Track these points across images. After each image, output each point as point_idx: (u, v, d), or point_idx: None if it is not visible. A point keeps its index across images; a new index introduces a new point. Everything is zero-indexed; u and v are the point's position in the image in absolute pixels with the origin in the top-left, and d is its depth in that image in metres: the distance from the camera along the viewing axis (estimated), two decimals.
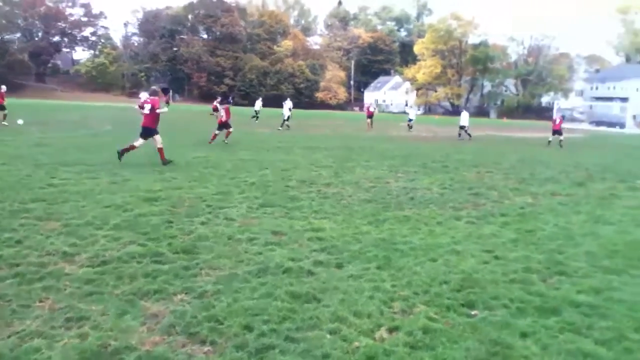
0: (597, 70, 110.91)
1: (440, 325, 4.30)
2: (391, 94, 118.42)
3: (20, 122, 24.64)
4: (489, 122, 62.29)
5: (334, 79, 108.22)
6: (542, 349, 3.97)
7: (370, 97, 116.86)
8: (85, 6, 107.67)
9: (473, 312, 4.60)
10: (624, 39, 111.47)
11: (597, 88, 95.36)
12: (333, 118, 58.02)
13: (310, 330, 4.17)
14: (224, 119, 19.70)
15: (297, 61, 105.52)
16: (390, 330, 4.22)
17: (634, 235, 7.57)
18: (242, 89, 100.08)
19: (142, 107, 13.36)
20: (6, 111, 24.55)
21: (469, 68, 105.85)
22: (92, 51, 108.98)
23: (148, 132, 13.28)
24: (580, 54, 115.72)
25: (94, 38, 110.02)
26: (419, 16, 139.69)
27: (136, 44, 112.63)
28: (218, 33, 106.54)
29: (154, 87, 14.23)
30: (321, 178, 12.05)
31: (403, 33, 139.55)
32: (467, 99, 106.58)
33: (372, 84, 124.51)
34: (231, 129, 19.93)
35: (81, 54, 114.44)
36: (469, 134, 29.80)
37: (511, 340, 4.07)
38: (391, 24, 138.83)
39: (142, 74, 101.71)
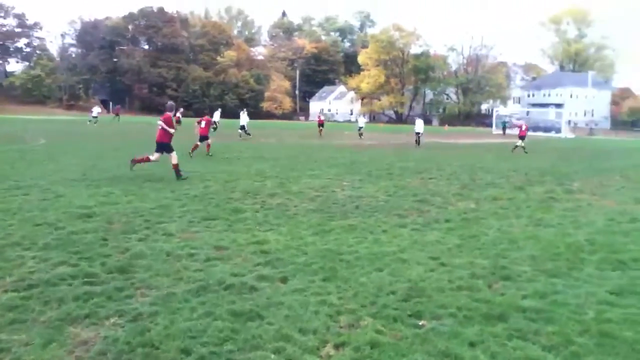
0: (534, 78, 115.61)
1: (388, 339, 4.17)
2: (336, 103, 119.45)
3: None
4: (431, 130, 63.51)
5: (278, 89, 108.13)
6: (491, 358, 3.90)
7: (315, 106, 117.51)
8: (19, 17, 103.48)
9: (421, 323, 4.50)
10: (557, 48, 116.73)
11: (533, 95, 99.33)
12: (279, 127, 57.83)
13: (252, 350, 3.95)
14: (203, 131, 19.77)
15: (242, 71, 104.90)
16: (337, 347, 4.05)
17: (574, 237, 7.72)
18: (186, 99, 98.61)
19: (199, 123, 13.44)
20: None
21: (412, 77, 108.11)
22: (26, 63, 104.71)
23: (162, 147, 13.19)
24: (517, 63, 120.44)
25: (28, 49, 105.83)
26: (362, 27, 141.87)
27: (74, 55, 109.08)
28: (159, 44, 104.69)
29: (170, 102, 13.87)
30: (266, 189, 11.83)
31: (347, 44, 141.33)
32: (411, 107, 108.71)
33: (317, 94, 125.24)
34: (210, 141, 20.13)
35: (15, 66, 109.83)
36: (418, 142, 30.44)
37: (460, 351, 3.98)
38: (335, 35, 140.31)
39: (80, 85, 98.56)
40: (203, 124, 20.01)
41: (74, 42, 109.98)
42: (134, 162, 13.52)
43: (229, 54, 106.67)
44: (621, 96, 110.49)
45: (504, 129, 57.35)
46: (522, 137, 27.78)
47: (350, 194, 11.43)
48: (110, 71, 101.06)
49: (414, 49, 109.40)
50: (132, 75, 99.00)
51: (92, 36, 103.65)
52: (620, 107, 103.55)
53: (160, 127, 13.19)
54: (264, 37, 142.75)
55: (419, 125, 31.03)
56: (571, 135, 57.17)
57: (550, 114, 70.07)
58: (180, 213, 8.82)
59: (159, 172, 13.99)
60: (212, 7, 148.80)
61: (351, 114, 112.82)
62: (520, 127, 29.13)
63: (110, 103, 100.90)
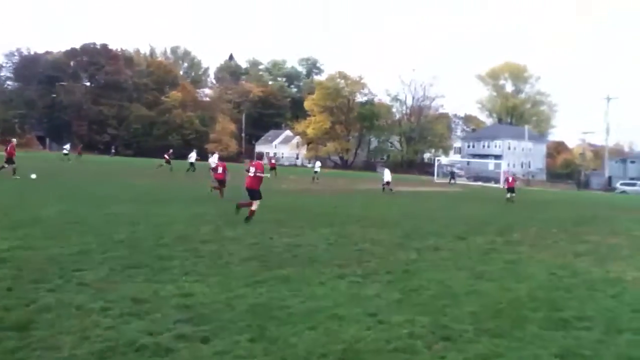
0: (473, 130, 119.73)
1: None
2: (282, 147, 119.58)
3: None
4: (375, 176, 64.16)
5: (224, 131, 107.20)
6: None
7: (261, 149, 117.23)
8: None
9: None
10: (496, 102, 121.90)
11: (473, 146, 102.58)
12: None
13: None
14: (221, 175, 20.93)
15: (187, 112, 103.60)
16: None
17: (516, 293, 7.48)
18: (126, 138, 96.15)
19: (247, 170, 14.33)
20: (15, 165, 24.23)
21: (357, 124, 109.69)
22: None
23: (253, 193, 14.10)
24: (458, 114, 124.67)
25: None
26: (309, 74, 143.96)
27: (10, 89, 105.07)
28: (102, 81, 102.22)
29: (259, 152, 14.40)
30: (199, 234, 11.18)
31: (294, 89, 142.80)
32: (356, 154, 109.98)
33: (263, 137, 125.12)
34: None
35: None
36: (391, 189, 31.64)
37: None
38: (282, 80, 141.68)
39: (16, 120, 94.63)
40: (220, 169, 21.21)
41: (11, 75, 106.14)
42: (240, 206, 14.61)
43: (174, 94, 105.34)
44: (556, 149, 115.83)
45: (452, 177, 58.30)
46: (510, 189, 29.34)
47: (289, 242, 10.95)
48: (49, 106, 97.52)
49: (359, 97, 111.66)
50: (71, 111, 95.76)
51: (30, 70, 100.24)
52: (555, 160, 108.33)
53: (253, 174, 14.04)
54: (211, 79, 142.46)
55: (387, 174, 32.96)
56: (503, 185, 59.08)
57: (490, 165, 72.28)
58: (100, 260, 8.09)
59: (86, 213, 13.11)
60: (158, 46, 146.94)
61: (297, 158, 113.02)
62: (507, 179, 31.10)
63: (47, 139, 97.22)
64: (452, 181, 56.11)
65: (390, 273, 8.39)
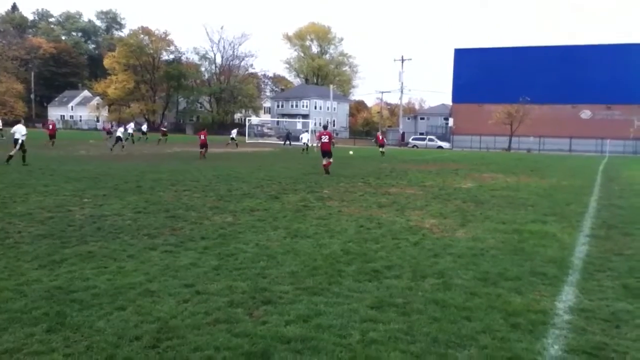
0: (282, 90, 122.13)
1: None
2: (80, 110, 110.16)
3: None
4: (185, 139, 62.40)
5: (9, 92, 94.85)
6: None
7: (55, 112, 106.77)
8: None
9: None
10: (303, 63, 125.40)
11: (282, 106, 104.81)
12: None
13: None
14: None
15: None
16: None
17: (330, 248, 7.67)
18: None
19: (319, 138, 21.60)
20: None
21: (164, 84, 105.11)
22: None
23: (326, 153, 20.90)
24: (267, 74, 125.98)
25: None
26: (108, 29, 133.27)
27: None
28: None
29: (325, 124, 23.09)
30: None
31: (91, 45, 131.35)
32: (163, 115, 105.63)
33: (58, 99, 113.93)
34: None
35: None
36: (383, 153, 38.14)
37: None
38: (77, 35, 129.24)
39: None
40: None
41: None
42: (326, 169, 20.61)
43: None
44: (357, 108, 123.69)
45: (287, 138, 58.77)
46: (381, 145, 40.41)
47: (92, 213, 9.98)
48: None
49: (166, 55, 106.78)
50: None
51: None
52: (356, 119, 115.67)
53: (325, 140, 21.06)
54: None
55: (305, 137, 41.94)
56: (317, 144, 61.74)
57: (299, 124, 74.59)
58: None
59: None
60: None
61: (97, 120, 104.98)
62: (378, 137, 42.11)
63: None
64: (288, 143, 56.87)
65: (206, 239, 8.06)
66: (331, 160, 20.90)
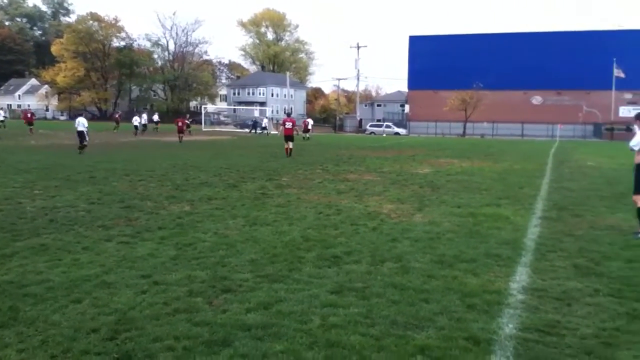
0: (238, 77, 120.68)
1: None
2: (28, 98, 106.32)
3: None
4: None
5: None
6: None
7: (1, 101, 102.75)
8: None
9: None
10: (258, 49, 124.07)
11: (239, 93, 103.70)
12: None
13: None
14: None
15: None
16: None
17: (290, 235, 7.68)
18: None
19: (284, 124, 24.01)
20: None
21: (115, 72, 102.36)
22: None
23: (289, 137, 23.18)
24: (223, 61, 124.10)
25: None
26: (55, 15, 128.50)
27: None
28: None
29: (289, 112, 26.24)
30: None
31: (37, 32, 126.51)
32: (116, 104, 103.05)
33: (4, 87, 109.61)
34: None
35: None
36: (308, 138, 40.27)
37: None
38: (22, 21, 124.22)
39: None
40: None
41: None
42: (288, 152, 22.85)
43: None
44: (314, 95, 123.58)
45: (254, 127, 57.59)
46: (306, 131, 42.45)
47: (44, 205, 9.70)
48: None
49: (117, 42, 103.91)
50: None
51: None
52: (313, 105, 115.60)
53: (288, 127, 23.37)
54: None
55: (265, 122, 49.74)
56: (275, 132, 61.28)
57: (256, 112, 74.00)
58: None
59: None
60: None
61: (47, 110, 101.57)
62: (306, 123, 44.56)
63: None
64: (254, 131, 55.92)
65: (163, 229, 7.95)
66: (292, 145, 23.20)
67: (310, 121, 51.22)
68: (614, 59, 60.67)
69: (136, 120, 42.26)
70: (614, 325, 4.52)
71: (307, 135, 42.01)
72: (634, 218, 8.30)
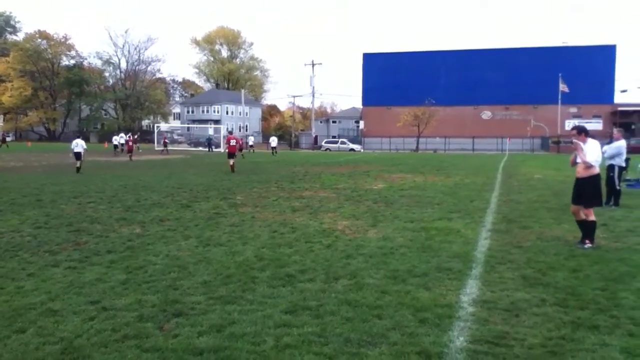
0: (192, 95, 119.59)
1: None
2: None
3: None
4: (90, 147, 59.53)
5: None
6: None
7: None
8: None
9: None
10: (213, 67, 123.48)
11: (192, 112, 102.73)
12: None
13: None
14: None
15: None
16: None
17: (244, 255, 7.61)
18: None
19: (228, 142, 25.63)
20: None
21: (64, 91, 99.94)
22: None
23: (232, 155, 25.13)
24: (176, 79, 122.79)
25: None
26: (1, 32, 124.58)
27: None
28: None
29: (230, 130, 30.36)
30: None
31: None
32: (65, 124, 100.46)
33: None
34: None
35: None
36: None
37: None
38: None
39: None
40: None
41: None
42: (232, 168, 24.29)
43: None
44: (269, 112, 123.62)
45: (209, 145, 59.48)
46: (240, 149, 38.74)
47: None
48: None
49: (66, 60, 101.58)
50: None
51: None
52: (269, 123, 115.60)
53: (232, 144, 25.59)
54: None
55: (274, 141, 51.68)
56: (225, 147, 61.34)
57: (210, 130, 73.42)
58: None
59: None
60: None
61: None
62: (238, 141, 44.15)
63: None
64: (210, 149, 57.19)
65: (113, 252, 7.75)
66: (233, 162, 25.09)
67: (275, 139, 54.40)
68: (560, 74, 63.21)
69: (115, 140, 45.21)
70: (560, 334, 4.65)
71: (242, 152, 41.46)
72: (577, 229, 8.61)
